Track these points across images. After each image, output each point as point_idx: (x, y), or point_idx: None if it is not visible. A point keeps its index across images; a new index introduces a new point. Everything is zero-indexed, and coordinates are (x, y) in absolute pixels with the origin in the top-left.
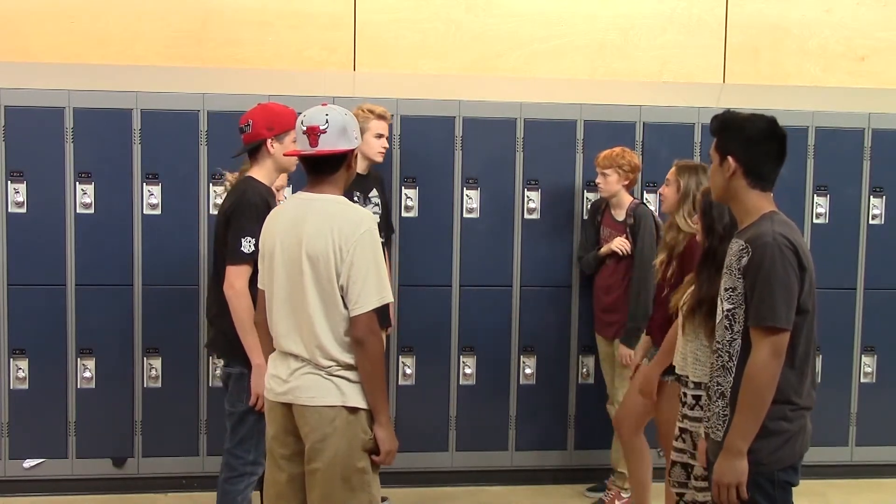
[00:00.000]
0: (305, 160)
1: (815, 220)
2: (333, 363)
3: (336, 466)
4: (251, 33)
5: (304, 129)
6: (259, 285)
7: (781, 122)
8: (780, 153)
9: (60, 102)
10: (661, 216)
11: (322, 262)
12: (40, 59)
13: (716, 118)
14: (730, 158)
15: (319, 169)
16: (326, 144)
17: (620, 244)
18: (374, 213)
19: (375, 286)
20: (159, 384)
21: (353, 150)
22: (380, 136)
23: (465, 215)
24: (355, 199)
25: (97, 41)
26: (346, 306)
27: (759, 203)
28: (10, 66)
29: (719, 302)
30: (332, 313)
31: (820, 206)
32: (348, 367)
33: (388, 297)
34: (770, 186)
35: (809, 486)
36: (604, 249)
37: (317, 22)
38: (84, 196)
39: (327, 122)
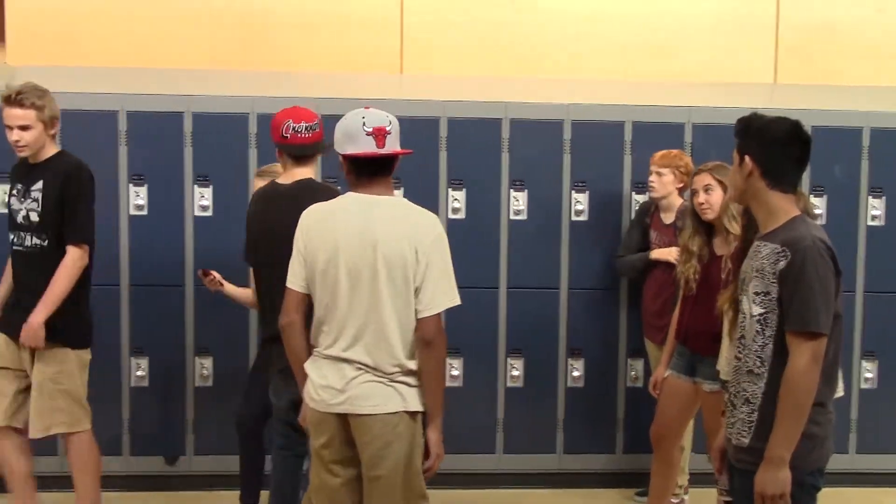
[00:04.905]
0: (363, 161)
1: (869, 223)
2: (398, 369)
3: (399, 472)
4: (299, 37)
5: (370, 130)
6: (295, 286)
7: (834, 122)
8: (801, 157)
9: (114, 106)
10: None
11: (399, 265)
12: (94, 64)
13: (739, 120)
14: (747, 158)
15: (379, 171)
16: (392, 146)
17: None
18: (32, 209)
19: (447, 288)
20: (210, 383)
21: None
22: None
23: (512, 217)
24: (14, 192)
25: (150, 46)
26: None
27: (782, 205)
28: (65, 69)
29: (747, 305)
30: (404, 317)
31: (875, 209)
32: (409, 372)
33: (458, 299)
34: (792, 189)
35: None
36: (658, 255)
37: (364, 25)
38: (138, 198)
39: (390, 123)
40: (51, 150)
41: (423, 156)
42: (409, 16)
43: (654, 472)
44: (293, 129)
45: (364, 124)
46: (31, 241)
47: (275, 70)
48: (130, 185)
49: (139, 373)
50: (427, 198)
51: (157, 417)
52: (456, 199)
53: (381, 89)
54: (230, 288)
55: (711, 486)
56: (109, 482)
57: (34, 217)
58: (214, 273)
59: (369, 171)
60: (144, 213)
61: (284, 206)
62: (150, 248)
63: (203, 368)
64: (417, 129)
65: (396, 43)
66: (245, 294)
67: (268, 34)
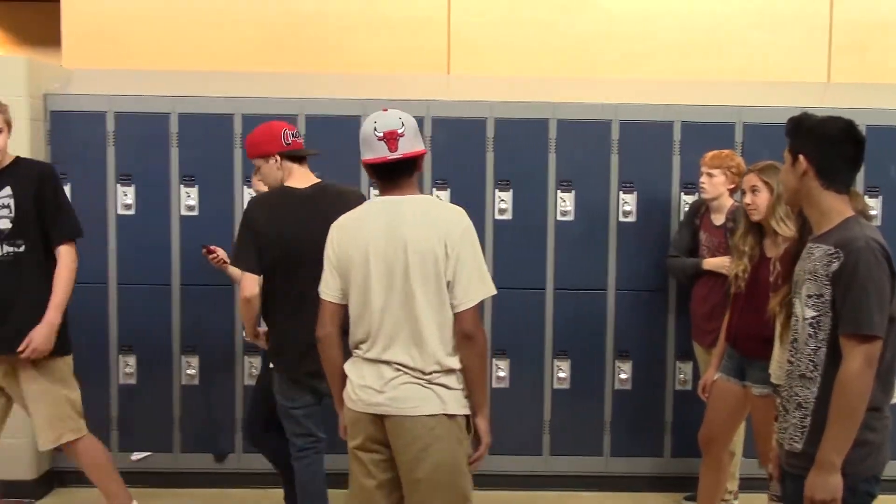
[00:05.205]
0: (380, 166)
1: None
2: (436, 367)
3: (440, 474)
4: (347, 39)
5: (381, 134)
6: (329, 298)
7: (890, 121)
8: (855, 156)
9: (166, 108)
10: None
11: (431, 262)
12: (147, 67)
13: (790, 120)
14: (801, 157)
15: (398, 173)
16: (406, 147)
17: (728, 268)
18: (2, 216)
19: (480, 279)
20: None
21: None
22: None
23: (559, 218)
24: None
25: (201, 49)
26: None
27: (836, 205)
28: (119, 72)
29: (799, 308)
30: (440, 313)
31: None
32: (449, 371)
33: (493, 289)
34: (846, 190)
35: None
36: (710, 266)
37: (411, 26)
38: (188, 199)
39: (403, 125)
40: (8, 156)
41: (469, 156)
42: (456, 16)
43: (702, 477)
44: (292, 135)
45: (375, 129)
46: (0, 250)
47: (323, 72)
48: (181, 186)
49: (189, 371)
50: (474, 198)
51: (207, 415)
52: (503, 200)
53: (428, 90)
54: (233, 269)
55: (762, 492)
56: (160, 479)
57: (4, 224)
58: (218, 250)
59: (389, 175)
60: (195, 213)
61: (322, 208)
62: (198, 248)
63: (252, 367)
64: (464, 129)
65: (443, 43)
66: None
67: (316, 36)
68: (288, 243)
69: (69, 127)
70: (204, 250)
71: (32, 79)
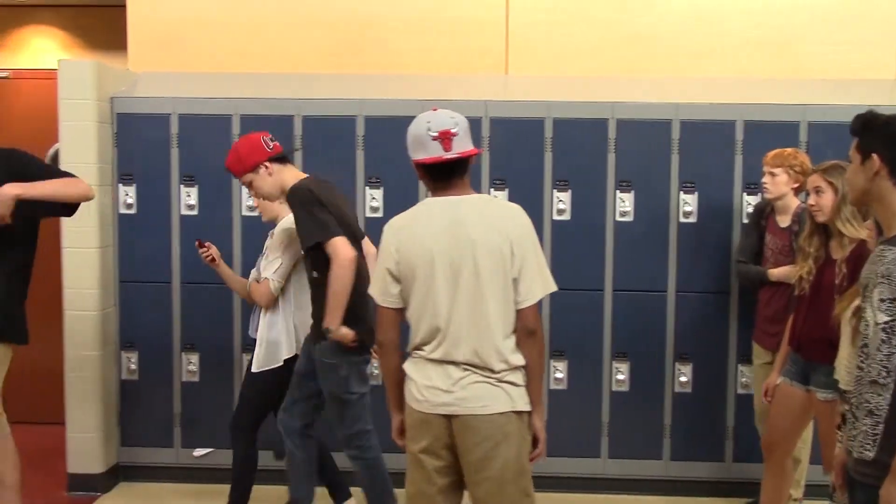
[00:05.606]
0: (435, 166)
1: None
2: (505, 365)
3: (508, 472)
4: (407, 40)
5: (435, 134)
6: (388, 304)
7: None
8: None
9: (228, 111)
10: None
11: (498, 260)
12: (210, 70)
13: (857, 118)
14: (874, 156)
15: (453, 173)
16: (460, 147)
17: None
18: None
19: (543, 276)
20: None
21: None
22: None
23: (618, 218)
24: None
25: (262, 51)
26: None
27: None
28: (183, 75)
29: (871, 313)
30: (505, 311)
31: None
32: (516, 368)
33: (554, 285)
34: None
35: None
36: (777, 277)
37: (470, 27)
38: (249, 199)
39: (457, 124)
40: None
41: (527, 156)
42: (514, 16)
43: (765, 483)
44: (269, 139)
45: (429, 129)
46: None
47: (382, 73)
48: (243, 188)
49: None
50: (532, 199)
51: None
52: (561, 201)
53: (486, 90)
54: (225, 268)
55: (824, 499)
56: (222, 475)
57: None
58: (211, 246)
59: (444, 175)
60: (255, 213)
61: (345, 198)
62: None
63: None
64: (522, 129)
65: (502, 44)
66: (240, 284)
67: (375, 38)
68: (351, 226)
69: (135, 129)
70: (197, 244)
71: (100, 82)
